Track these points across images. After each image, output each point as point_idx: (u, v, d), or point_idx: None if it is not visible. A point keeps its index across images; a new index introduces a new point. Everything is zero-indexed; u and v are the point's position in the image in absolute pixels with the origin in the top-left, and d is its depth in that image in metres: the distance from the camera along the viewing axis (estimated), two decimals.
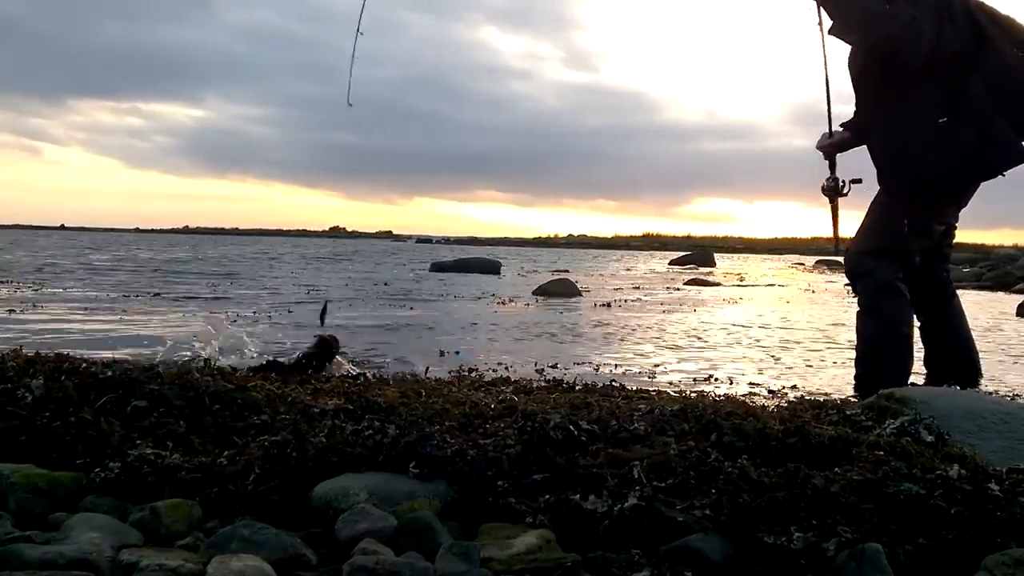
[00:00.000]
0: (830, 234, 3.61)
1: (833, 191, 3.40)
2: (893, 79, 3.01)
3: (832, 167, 3.42)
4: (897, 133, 3.07)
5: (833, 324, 6.36)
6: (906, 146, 3.05)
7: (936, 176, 3.02)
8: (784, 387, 3.26)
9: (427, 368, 3.16)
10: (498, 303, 7.44)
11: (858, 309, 3.15)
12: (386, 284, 9.76)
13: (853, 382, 3.14)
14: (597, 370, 3.60)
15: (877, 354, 3.07)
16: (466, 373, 3.15)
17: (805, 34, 3.26)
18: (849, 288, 3.45)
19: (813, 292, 11.41)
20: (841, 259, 3.43)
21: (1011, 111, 2.95)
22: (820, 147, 3.42)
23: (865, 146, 3.30)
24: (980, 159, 2.97)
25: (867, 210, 3.23)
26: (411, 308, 6.65)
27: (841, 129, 3.34)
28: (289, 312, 5.63)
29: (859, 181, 3.43)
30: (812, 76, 3.40)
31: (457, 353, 3.94)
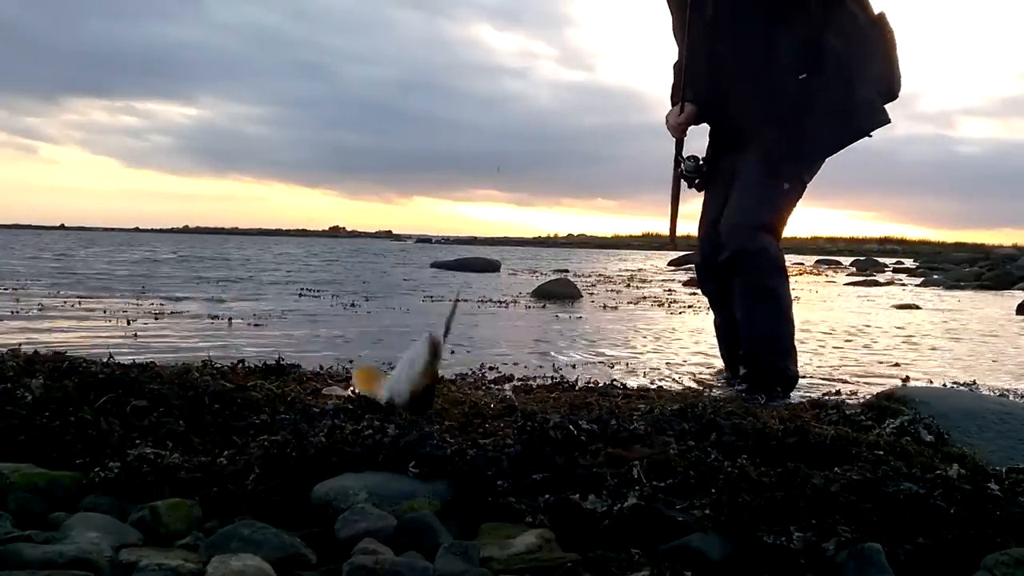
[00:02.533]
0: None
1: (694, 172, 3.04)
2: (751, 31, 2.80)
3: (681, 145, 3.07)
4: (765, 94, 2.83)
5: (833, 321, 6.36)
6: (777, 108, 2.81)
7: (811, 141, 2.81)
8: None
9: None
10: (498, 302, 7.44)
11: (743, 292, 2.89)
12: (378, 280, 9.75)
13: (742, 381, 2.87)
14: (596, 369, 3.60)
15: (778, 343, 2.86)
16: (466, 373, 3.15)
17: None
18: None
19: (813, 292, 11.41)
20: (679, 252, 3.12)
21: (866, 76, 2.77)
22: (675, 123, 3.02)
23: (710, 116, 3.02)
24: (848, 120, 2.79)
25: (739, 181, 2.91)
26: (408, 309, 6.64)
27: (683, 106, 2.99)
28: (282, 316, 5.62)
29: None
30: None
31: (454, 352, 3.93)
